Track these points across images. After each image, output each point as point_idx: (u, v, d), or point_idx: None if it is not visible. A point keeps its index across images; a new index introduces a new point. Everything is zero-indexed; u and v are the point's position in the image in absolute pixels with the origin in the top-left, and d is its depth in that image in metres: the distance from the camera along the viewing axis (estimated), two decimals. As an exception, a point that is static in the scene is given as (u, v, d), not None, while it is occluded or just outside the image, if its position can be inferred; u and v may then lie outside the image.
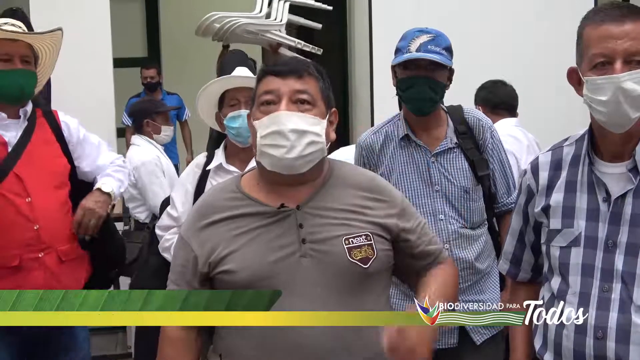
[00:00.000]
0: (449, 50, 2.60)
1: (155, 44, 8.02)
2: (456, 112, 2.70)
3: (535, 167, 1.97)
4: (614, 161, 1.83)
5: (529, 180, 1.98)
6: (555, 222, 1.89)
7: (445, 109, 2.72)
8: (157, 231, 2.93)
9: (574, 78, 1.85)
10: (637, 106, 1.74)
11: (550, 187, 1.92)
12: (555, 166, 1.93)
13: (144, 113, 5.05)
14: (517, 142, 3.93)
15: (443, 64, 2.55)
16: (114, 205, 2.86)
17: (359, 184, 1.92)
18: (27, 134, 2.69)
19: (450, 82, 2.65)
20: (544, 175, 1.94)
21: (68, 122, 2.83)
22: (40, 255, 2.59)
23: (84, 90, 5.48)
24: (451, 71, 2.63)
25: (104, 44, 5.56)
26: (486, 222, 2.73)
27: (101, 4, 5.58)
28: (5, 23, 2.66)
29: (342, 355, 1.79)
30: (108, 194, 2.76)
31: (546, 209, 1.92)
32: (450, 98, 2.75)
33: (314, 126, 1.82)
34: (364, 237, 1.83)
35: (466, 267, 2.62)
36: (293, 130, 1.79)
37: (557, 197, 1.90)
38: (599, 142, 1.86)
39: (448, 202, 2.62)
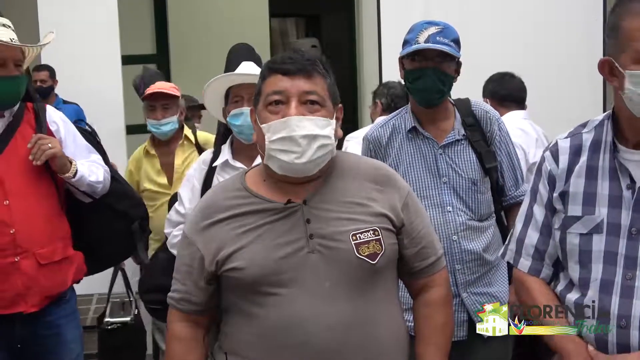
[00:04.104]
0: (456, 42, 2.59)
1: (163, 40, 8.02)
2: (463, 105, 2.69)
3: (555, 152, 1.92)
4: (638, 148, 1.79)
5: (550, 165, 1.92)
6: (574, 209, 1.85)
7: (452, 101, 2.71)
8: (166, 228, 2.93)
9: (606, 69, 1.79)
10: None
11: (569, 172, 1.88)
12: (575, 151, 1.89)
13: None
14: (526, 135, 3.91)
15: (451, 55, 2.54)
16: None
17: (365, 174, 1.91)
18: (10, 131, 2.64)
19: (458, 75, 2.64)
20: (563, 159, 1.90)
21: (57, 122, 2.77)
22: (16, 260, 2.55)
23: (92, 88, 5.50)
24: (459, 64, 2.62)
25: (112, 41, 5.57)
26: (494, 215, 2.72)
27: (109, 1, 5.58)
28: None
29: (348, 352, 1.78)
30: (70, 161, 2.66)
31: (564, 195, 1.88)
32: (459, 91, 2.74)
33: (325, 128, 1.80)
34: (371, 232, 1.82)
35: (474, 259, 2.62)
36: (304, 136, 1.77)
37: (577, 183, 1.86)
38: (625, 130, 1.81)
39: (455, 194, 2.61)
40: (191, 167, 2.99)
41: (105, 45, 5.51)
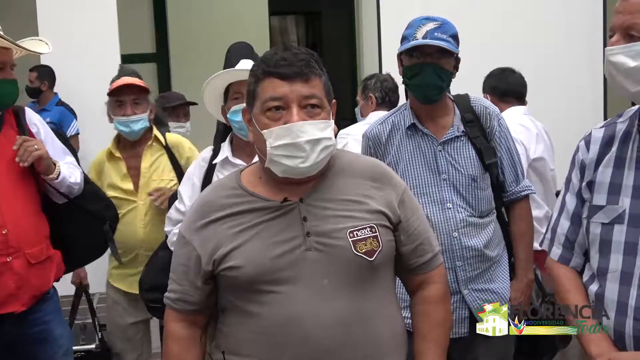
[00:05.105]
0: (455, 37, 2.58)
1: (163, 39, 8.02)
2: (463, 101, 2.68)
3: (588, 142, 1.94)
4: None
5: (583, 155, 1.94)
6: (599, 198, 1.86)
7: (451, 97, 2.70)
8: (166, 226, 2.93)
9: None
10: (634, 79, 1.72)
11: (598, 161, 1.89)
12: (607, 142, 1.90)
13: None
14: (526, 130, 3.89)
15: (449, 51, 2.53)
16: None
17: (361, 172, 1.90)
18: None
19: (457, 71, 2.63)
20: (594, 149, 1.91)
21: (37, 124, 2.80)
22: (8, 260, 2.58)
23: (91, 87, 5.48)
24: (457, 59, 2.61)
25: (111, 41, 5.56)
26: (494, 211, 2.71)
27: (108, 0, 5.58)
28: None
29: (347, 348, 1.77)
30: (54, 163, 2.71)
31: (591, 184, 1.88)
32: (459, 87, 2.73)
33: (325, 130, 1.79)
34: (368, 229, 1.81)
35: (475, 255, 2.61)
36: (308, 141, 1.76)
37: (605, 172, 1.86)
38: None
39: (455, 191, 2.60)
40: (191, 165, 2.99)
41: (104, 44, 5.50)
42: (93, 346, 3.64)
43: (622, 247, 1.80)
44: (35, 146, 2.63)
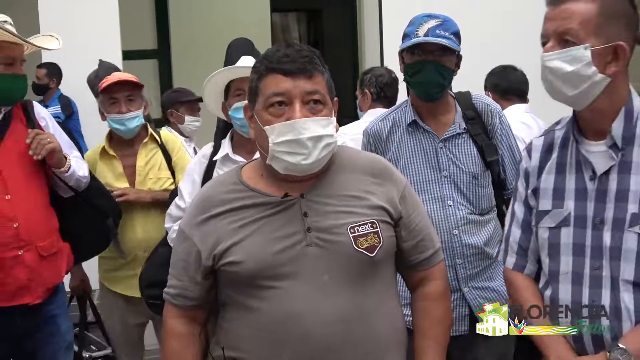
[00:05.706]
0: (457, 35, 2.57)
1: (165, 35, 8.01)
2: (464, 98, 2.68)
3: (529, 151, 1.99)
4: (597, 139, 1.83)
5: (526, 163, 1.99)
6: (544, 203, 1.90)
7: (453, 94, 2.69)
8: (166, 223, 2.93)
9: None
10: (571, 84, 1.76)
11: (540, 169, 1.93)
12: (547, 149, 1.95)
13: (166, 104, 5.07)
14: (528, 128, 3.89)
15: (451, 48, 2.52)
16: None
17: (362, 167, 1.90)
18: (4, 127, 2.68)
19: (458, 68, 2.62)
20: (535, 157, 1.96)
21: (46, 118, 2.84)
22: (20, 253, 2.59)
23: (93, 83, 5.49)
24: (459, 57, 2.61)
25: (112, 36, 5.56)
26: (495, 209, 2.71)
27: (109, -4, 5.58)
28: (5, 21, 2.62)
29: (347, 346, 1.77)
30: (65, 156, 2.76)
31: (536, 191, 1.93)
32: (459, 87, 2.72)
33: (328, 127, 1.79)
34: (369, 224, 1.81)
35: (476, 253, 2.61)
36: (310, 138, 1.76)
37: (548, 178, 1.91)
38: (579, 122, 1.87)
39: (456, 188, 2.60)
40: (191, 162, 2.98)
41: (105, 40, 5.50)
42: (109, 351, 3.66)
43: (571, 249, 1.84)
44: (48, 139, 2.67)
